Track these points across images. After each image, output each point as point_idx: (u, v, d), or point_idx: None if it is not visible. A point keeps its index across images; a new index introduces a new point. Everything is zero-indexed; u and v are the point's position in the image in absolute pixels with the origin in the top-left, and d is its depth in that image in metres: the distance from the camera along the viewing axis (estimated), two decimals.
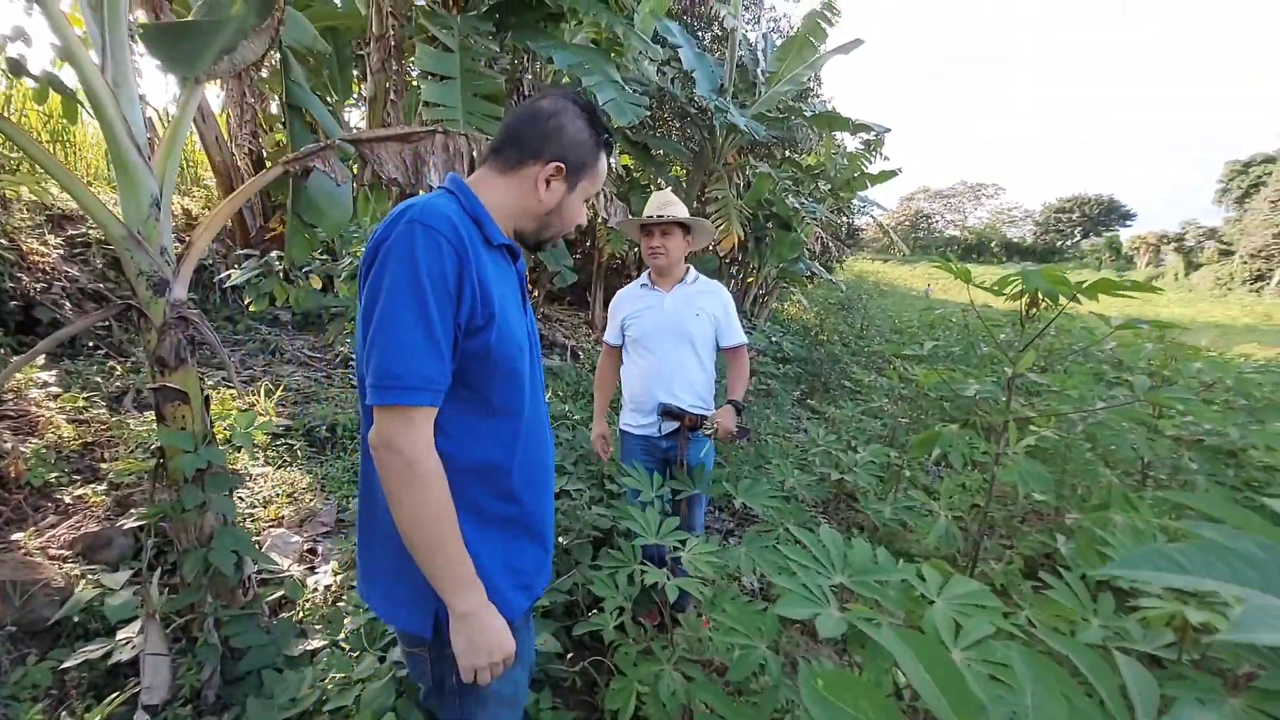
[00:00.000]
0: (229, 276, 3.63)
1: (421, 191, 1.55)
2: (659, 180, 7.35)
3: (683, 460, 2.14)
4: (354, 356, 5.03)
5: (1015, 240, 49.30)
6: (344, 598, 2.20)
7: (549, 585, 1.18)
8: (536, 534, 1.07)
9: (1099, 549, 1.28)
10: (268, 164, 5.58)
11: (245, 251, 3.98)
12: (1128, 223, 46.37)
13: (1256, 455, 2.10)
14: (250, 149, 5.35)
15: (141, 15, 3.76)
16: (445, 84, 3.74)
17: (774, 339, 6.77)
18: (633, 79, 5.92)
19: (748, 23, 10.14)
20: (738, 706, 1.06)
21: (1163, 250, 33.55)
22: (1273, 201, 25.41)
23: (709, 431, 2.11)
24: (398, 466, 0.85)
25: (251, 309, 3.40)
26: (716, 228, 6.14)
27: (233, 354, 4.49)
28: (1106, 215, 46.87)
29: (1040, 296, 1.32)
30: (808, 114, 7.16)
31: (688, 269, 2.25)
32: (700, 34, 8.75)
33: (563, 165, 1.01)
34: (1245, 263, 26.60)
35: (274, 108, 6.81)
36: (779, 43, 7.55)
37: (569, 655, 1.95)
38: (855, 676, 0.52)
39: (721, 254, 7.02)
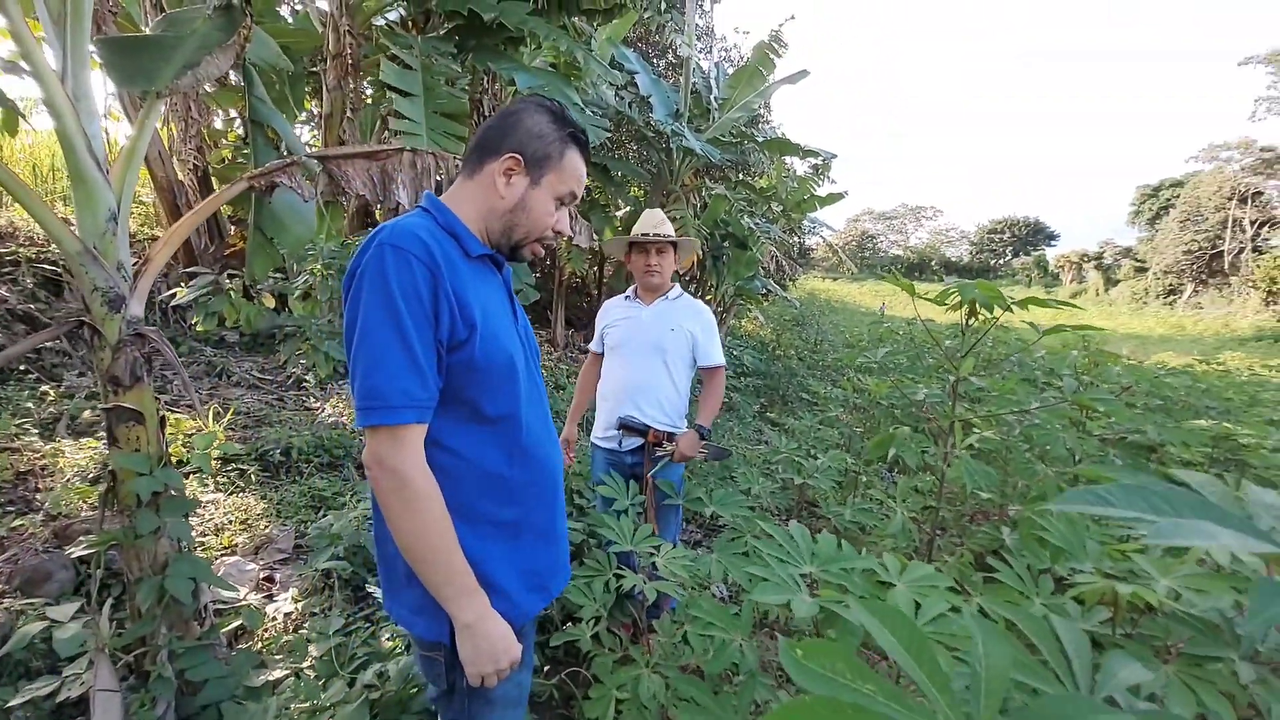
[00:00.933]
0: (174, 295, 3.49)
1: (398, 209, 1.57)
2: (618, 200, 7.48)
3: (646, 477, 2.13)
4: (306, 379, 4.90)
5: (953, 259, 52.16)
6: (306, 624, 2.13)
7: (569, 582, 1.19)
8: (548, 534, 1.09)
9: (1038, 535, 1.39)
10: (214, 180, 5.40)
11: (192, 270, 3.84)
12: (1053, 242, 49.83)
13: (1175, 451, 2.31)
14: (195, 164, 5.18)
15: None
16: (409, 100, 3.75)
17: (734, 352, 6.94)
18: (591, 102, 6.05)
19: (700, 52, 10.51)
20: (719, 698, 1.10)
21: (1084, 268, 36.12)
22: (1180, 222, 27.83)
23: (663, 454, 2.09)
24: (391, 485, 0.87)
25: (199, 329, 3.28)
26: (684, 238, 6.31)
27: (175, 376, 4.28)
28: (1034, 235, 50.25)
29: (977, 306, 1.45)
30: (759, 139, 7.47)
31: (673, 285, 2.29)
32: (655, 61, 9.03)
33: (519, 156, 0.99)
34: (1158, 278, 28.94)
35: (219, 123, 6.62)
36: (730, 71, 7.87)
37: (544, 669, 1.95)
38: (831, 642, 0.58)
39: (682, 272, 7.17)
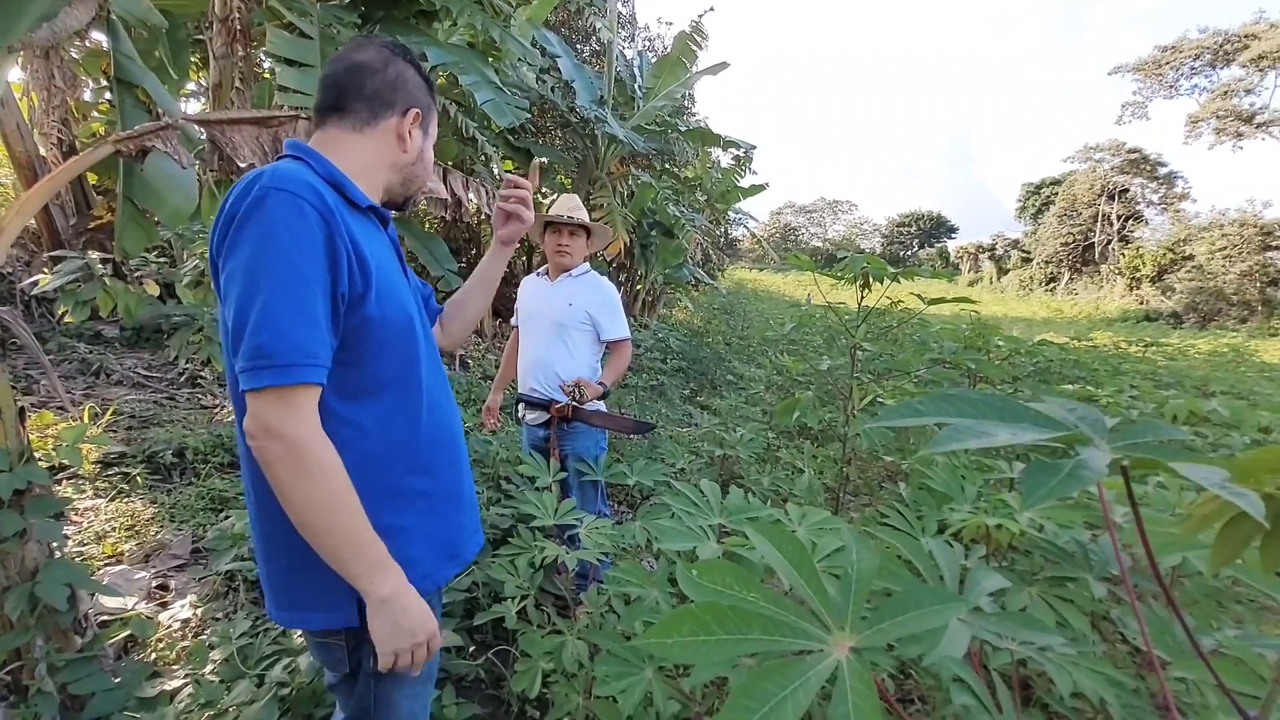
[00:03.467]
0: (36, 283, 3.11)
1: None
2: (543, 186, 7.37)
3: (554, 449, 2.19)
4: (202, 375, 4.50)
5: (867, 250, 55.41)
6: (207, 631, 1.98)
7: (478, 553, 1.16)
8: (456, 499, 1.06)
9: (925, 485, 1.53)
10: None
11: (58, 254, 3.43)
12: (953, 235, 54.00)
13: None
14: (60, 138, 4.60)
15: None
16: (303, 70, 3.50)
17: (660, 335, 7.05)
18: (512, 84, 5.91)
19: (624, 40, 10.50)
20: (631, 647, 1.13)
21: (980, 258, 39.38)
22: (1059, 216, 30.90)
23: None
24: (280, 453, 0.78)
25: (68, 321, 2.95)
26: (599, 225, 6.34)
27: (43, 375, 3.82)
28: (936, 229, 54.24)
29: (869, 278, 1.56)
30: (683, 129, 7.57)
31: (581, 264, 2.35)
32: (579, 47, 8.92)
33: (419, 113, 1.00)
34: (1041, 268, 32.05)
35: (88, 94, 5.91)
36: (654, 60, 7.92)
37: (472, 650, 1.92)
38: (724, 563, 0.62)
39: (609, 259, 7.19)
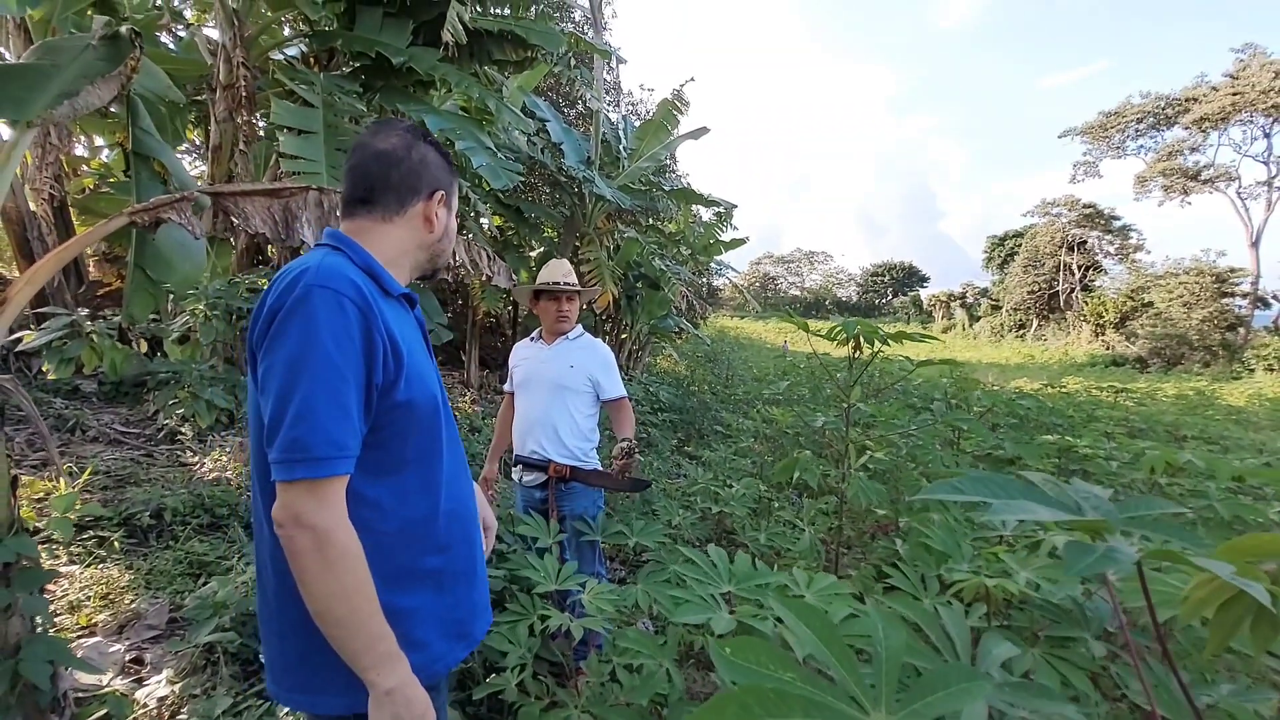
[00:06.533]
0: (19, 340, 3.08)
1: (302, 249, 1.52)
2: (532, 241, 7.55)
3: (553, 510, 2.19)
4: (181, 431, 4.39)
5: (844, 299, 56.93)
6: (185, 709, 1.88)
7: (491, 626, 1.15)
8: (469, 576, 1.06)
9: (924, 543, 1.57)
10: (72, 212, 4.85)
11: (43, 310, 3.40)
12: (925, 284, 55.92)
13: (1029, 462, 2.68)
14: (51, 194, 4.63)
15: None
16: (306, 138, 3.62)
17: (651, 388, 7.10)
18: (504, 146, 6.14)
19: (609, 104, 11.02)
20: None
21: (952, 306, 40.72)
22: (1024, 267, 32.33)
23: (621, 452, 2.12)
24: (308, 544, 0.80)
25: (50, 377, 2.91)
26: (591, 286, 6.46)
27: (16, 433, 3.70)
28: (909, 278, 56.21)
29: (860, 340, 1.64)
30: (666, 188, 7.89)
31: (575, 326, 2.41)
32: (565, 111, 9.34)
33: (444, 193, 1.06)
34: (1010, 315, 33.25)
35: (80, 150, 5.99)
36: (638, 124, 8.32)
37: None
38: (755, 639, 0.64)
39: (597, 311, 7.30)
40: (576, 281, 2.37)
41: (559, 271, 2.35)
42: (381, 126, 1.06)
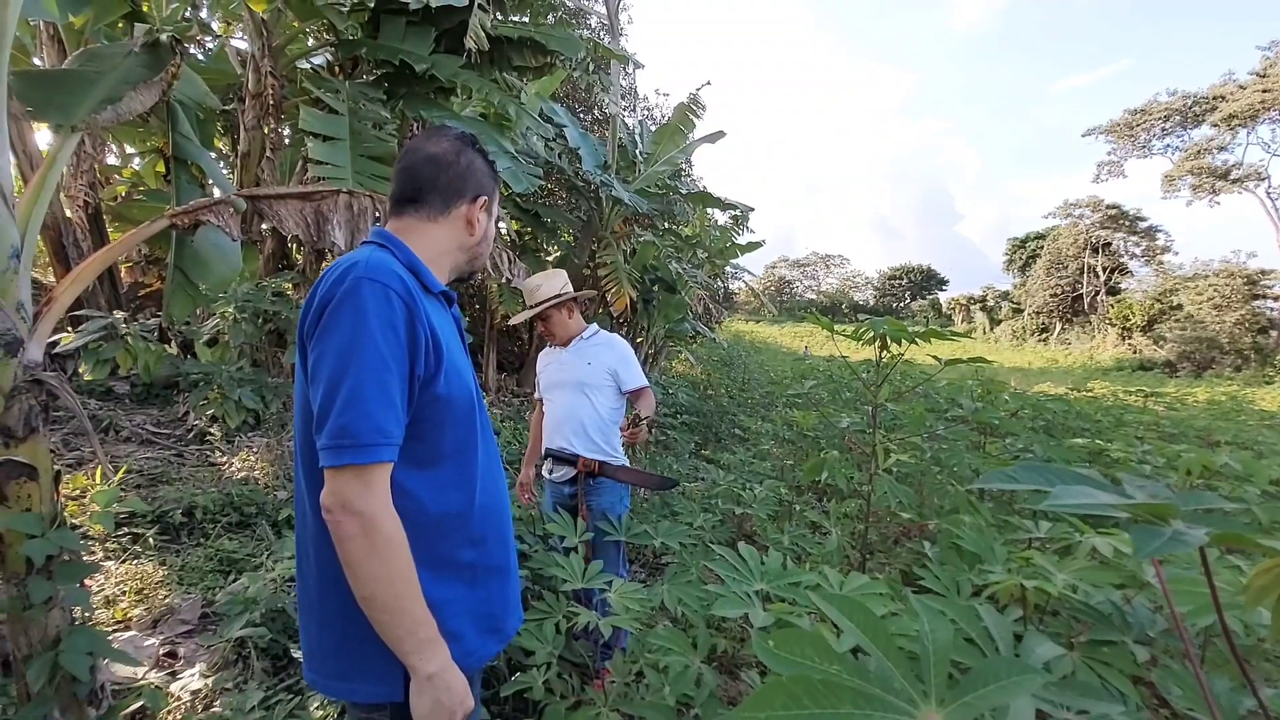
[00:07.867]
0: (58, 342, 3.16)
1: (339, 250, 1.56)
2: (550, 245, 7.59)
3: (581, 505, 2.22)
4: (210, 431, 4.49)
5: (860, 302, 56.41)
6: (218, 702, 1.92)
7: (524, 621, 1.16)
8: (503, 572, 1.07)
9: (955, 544, 1.54)
10: (106, 219, 5.00)
11: (79, 313, 3.50)
12: (943, 287, 55.20)
13: (1060, 465, 2.63)
14: (86, 201, 4.78)
15: None
16: (333, 144, 3.69)
17: (669, 390, 7.10)
18: (523, 151, 6.20)
19: (625, 110, 11.08)
20: None
21: (972, 309, 40.11)
22: (1046, 269, 31.72)
23: (630, 425, 2.23)
24: (355, 530, 0.82)
25: (86, 379, 2.99)
26: (608, 291, 6.47)
27: (52, 432, 3.81)
28: (927, 281, 55.52)
29: (887, 340, 1.63)
30: (683, 192, 7.89)
31: (588, 326, 2.42)
32: (582, 116, 9.41)
33: (486, 199, 1.09)
34: (1032, 318, 32.65)
35: (112, 158, 6.17)
36: (654, 129, 8.34)
37: None
38: (799, 631, 0.64)
39: (614, 314, 7.32)
40: (549, 292, 2.31)
41: (527, 294, 2.32)
42: (434, 132, 1.11)
